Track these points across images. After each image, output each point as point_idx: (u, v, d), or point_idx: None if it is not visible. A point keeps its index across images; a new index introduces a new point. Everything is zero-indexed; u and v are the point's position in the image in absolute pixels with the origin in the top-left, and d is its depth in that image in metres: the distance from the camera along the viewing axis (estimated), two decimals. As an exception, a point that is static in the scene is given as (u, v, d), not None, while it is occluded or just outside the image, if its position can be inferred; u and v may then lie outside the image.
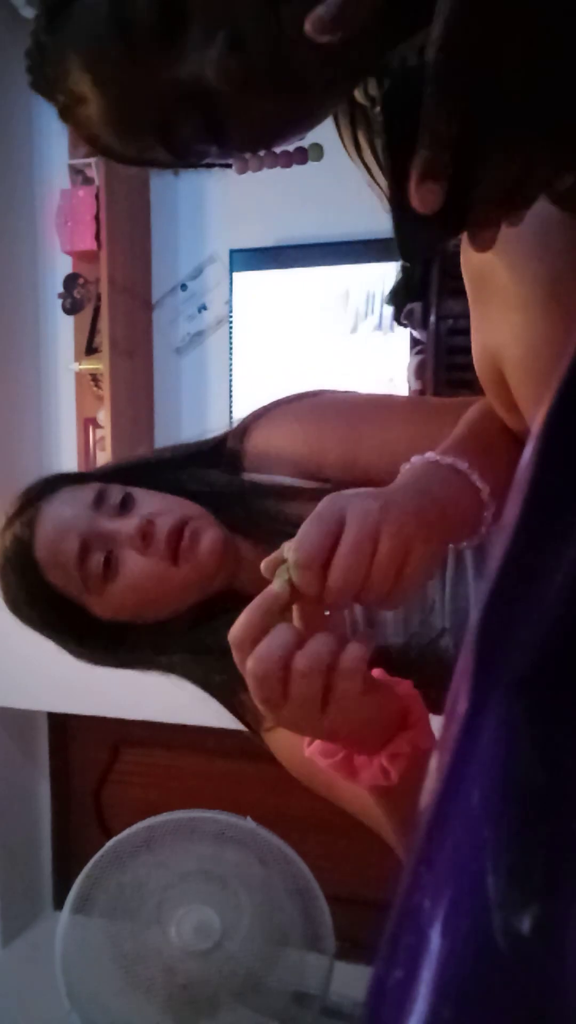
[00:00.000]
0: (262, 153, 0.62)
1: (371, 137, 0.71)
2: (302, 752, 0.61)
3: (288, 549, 0.52)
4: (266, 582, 0.53)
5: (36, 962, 2.27)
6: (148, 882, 1.60)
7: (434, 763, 0.25)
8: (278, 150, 0.63)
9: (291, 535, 0.54)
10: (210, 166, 0.66)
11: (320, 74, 0.52)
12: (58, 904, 2.58)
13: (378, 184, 0.76)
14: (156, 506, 0.77)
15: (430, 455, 0.61)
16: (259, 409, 0.85)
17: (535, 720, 0.22)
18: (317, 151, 0.71)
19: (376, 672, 0.58)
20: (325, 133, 0.68)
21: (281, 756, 0.80)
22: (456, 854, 0.22)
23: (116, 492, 0.77)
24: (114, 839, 1.59)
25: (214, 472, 0.83)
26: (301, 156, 0.71)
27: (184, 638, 0.81)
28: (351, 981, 1.59)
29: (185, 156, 0.60)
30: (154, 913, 1.60)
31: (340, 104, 0.67)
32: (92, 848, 1.62)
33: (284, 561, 0.52)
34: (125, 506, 0.77)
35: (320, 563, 0.50)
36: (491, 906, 0.20)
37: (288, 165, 0.71)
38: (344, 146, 0.74)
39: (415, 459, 0.61)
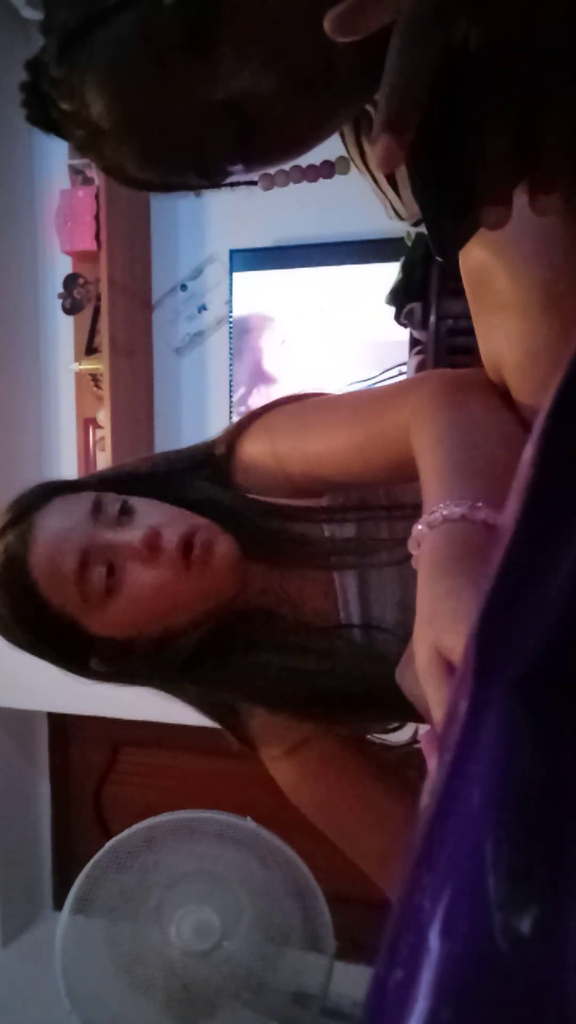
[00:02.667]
0: (288, 168, 0.62)
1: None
2: (307, 784, 0.61)
3: None
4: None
5: (36, 962, 2.27)
6: (148, 882, 1.60)
7: (434, 763, 0.25)
8: (304, 164, 0.63)
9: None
10: (235, 185, 0.65)
11: (351, 82, 0.52)
12: (58, 904, 2.58)
13: (383, 191, 0.75)
14: (158, 516, 0.72)
15: (436, 517, 0.55)
16: (240, 421, 0.81)
17: (536, 720, 0.22)
18: (344, 164, 0.70)
19: None
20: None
21: (287, 787, 0.78)
22: (456, 854, 0.22)
23: (114, 501, 0.73)
24: (114, 839, 1.59)
25: (208, 485, 0.79)
26: (328, 170, 0.71)
27: (190, 667, 0.76)
28: (351, 981, 1.59)
29: (216, 177, 0.58)
30: (154, 913, 1.60)
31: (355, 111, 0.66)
32: (92, 848, 1.62)
33: None
34: (125, 515, 0.72)
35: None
36: (491, 906, 0.20)
37: (315, 179, 0.70)
38: (348, 153, 0.74)
39: (423, 528, 0.56)
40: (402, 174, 0.71)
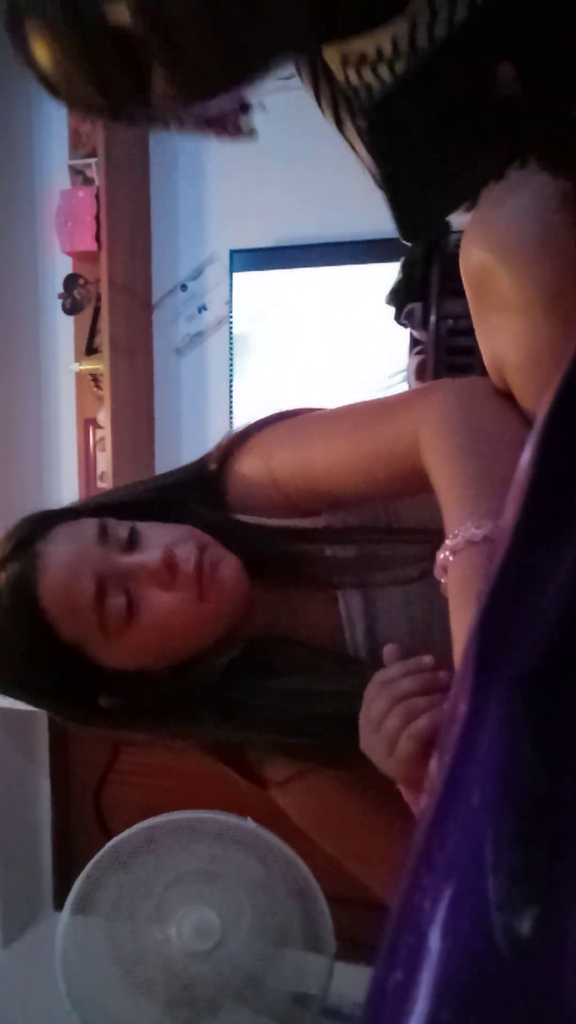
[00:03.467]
0: (198, 116, 0.60)
1: (352, 115, 0.69)
2: (312, 809, 0.61)
3: None
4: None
5: (36, 963, 2.27)
6: (148, 882, 1.60)
7: (434, 764, 0.25)
8: (211, 115, 0.60)
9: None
10: (151, 121, 0.63)
11: (252, 38, 0.50)
12: (58, 905, 2.58)
13: (360, 158, 0.73)
14: (168, 536, 0.70)
15: (459, 540, 0.56)
16: (231, 440, 0.79)
17: (535, 720, 0.22)
18: (249, 131, 0.67)
19: None
20: (326, 129, 0.67)
21: (293, 813, 0.77)
22: (456, 855, 0.22)
23: (119, 525, 0.70)
24: (114, 839, 1.59)
25: (201, 508, 0.77)
26: (234, 127, 0.68)
27: (204, 697, 0.74)
28: (351, 981, 1.58)
29: (120, 101, 0.56)
30: (154, 913, 1.59)
31: (277, 71, 0.63)
32: (92, 848, 1.62)
33: None
34: (133, 540, 0.70)
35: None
36: (491, 907, 0.20)
37: (220, 134, 0.67)
38: (324, 115, 0.72)
39: (448, 554, 0.57)
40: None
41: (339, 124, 0.71)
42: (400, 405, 0.70)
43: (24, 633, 0.69)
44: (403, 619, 0.74)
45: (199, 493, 0.78)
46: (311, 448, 0.74)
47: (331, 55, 0.59)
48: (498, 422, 0.62)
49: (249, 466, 0.76)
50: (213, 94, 0.55)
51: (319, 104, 0.71)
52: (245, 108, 0.65)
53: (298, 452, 0.74)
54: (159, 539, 0.70)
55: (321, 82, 0.68)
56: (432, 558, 0.64)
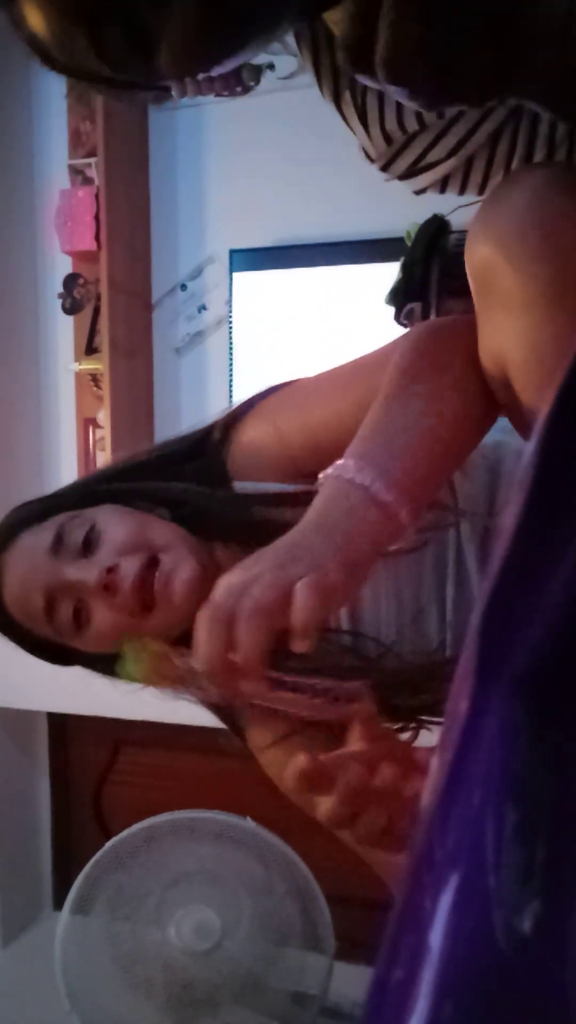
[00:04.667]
0: (200, 79, 0.60)
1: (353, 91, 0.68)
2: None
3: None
4: None
5: (36, 963, 2.27)
6: (148, 882, 1.60)
7: (436, 763, 0.25)
8: (213, 75, 0.60)
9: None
10: (149, 89, 0.63)
11: (255, 5, 0.50)
12: (58, 904, 2.58)
13: (352, 129, 0.73)
14: (121, 542, 0.72)
15: (335, 469, 0.59)
16: (237, 408, 0.81)
17: (536, 720, 0.22)
18: (253, 72, 0.67)
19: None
20: (326, 129, 0.66)
21: (274, 775, 0.78)
22: (457, 854, 0.22)
23: (77, 530, 0.73)
24: (114, 839, 1.59)
25: (194, 478, 0.79)
26: (236, 81, 0.67)
27: None
28: (351, 981, 1.59)
29: (118, 67, 0.56)
30: (154, 913, 1.60)
31: (279, 37, 0.62)
32: (92, 848, 1.62)
33: None
34: (88, 546, 0.73)
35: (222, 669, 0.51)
36: (492, 905, 0.20)
37: (222, 92, 0.67)
38: (322, 92, 0.71)
39: (323, 476, 0.60)
40: (373, 112, 0.69)
41: (337, 98, 0.70)
42: (391, 350, 0.71)
43: (6, 631, 0.79)
44: (391, 595, 0.74)
45: (198, 463, 0.79)
46: (313, 401, 0.76)
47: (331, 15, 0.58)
48: (435, 399, 0.63)
49: (256, 430, 0.78)
50: (216, 62, 0.55)
51: (317, 77, 0.70)
52: (246, 67, 0.65)
53: (302, 406, 0.77)
54: (112, 543, 0.72)
55: (322, 51, 0.68)
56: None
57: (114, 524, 0.74)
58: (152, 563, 0.71)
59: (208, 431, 0.81)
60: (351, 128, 0.72)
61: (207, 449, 0.80)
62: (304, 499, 0.63)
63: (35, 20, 0.54)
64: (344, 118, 0.72)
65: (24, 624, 0.76)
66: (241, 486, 0.78)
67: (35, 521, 0.77)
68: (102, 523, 0.74)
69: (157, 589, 0.70)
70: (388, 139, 0.70)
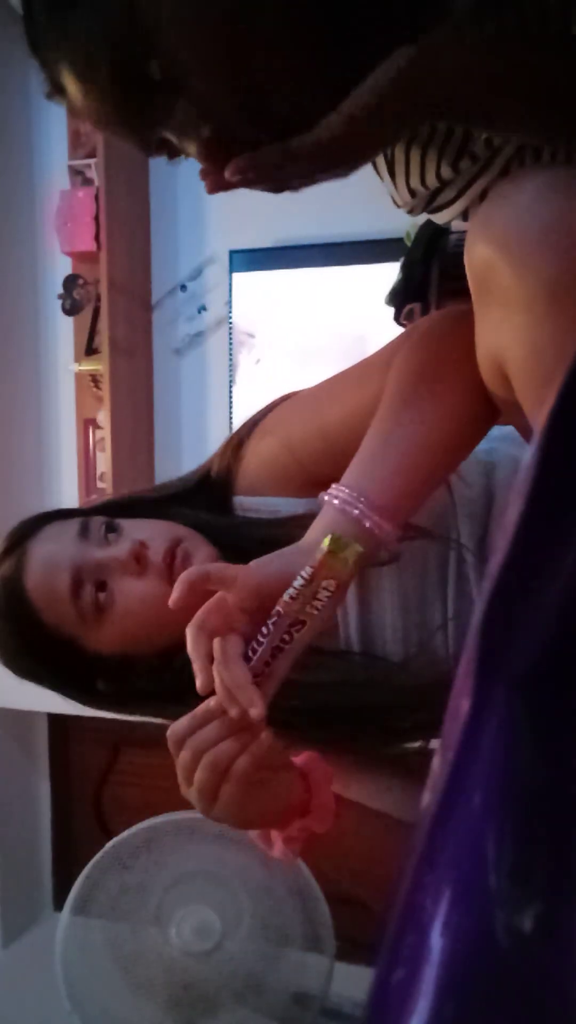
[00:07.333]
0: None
1: None
2: None
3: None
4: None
5: (36, 963, 2.27)
6: (148, 883, 1.60)
7: (437, 763, 0.25)
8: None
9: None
10: (171, 152, 0.69)
11: (277, 95, 0.58)
12: (58, 905, 2.58)
13: (379, 175, 0.77)
14: (145, 531, 0.75)
15: (329, 496, 0.63)
16: (241, 430, 0.83)
17: (537, 720, 0.22)
18: None
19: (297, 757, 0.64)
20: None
21: None
22: (458, 853, 0.22)
23: (101, 522, 0.76)
24: (114, 840, 1.59)
25: (201, 511, 0.81)
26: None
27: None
28: (351, 981, 1.58)
29: (143, 137, 0.64)
30: (154, 914, 1.59)
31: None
32: (92, 849, 1.62)
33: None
34: (111, 535, 0.76)
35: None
36: (493, 905, 0.20)
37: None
38: None
39: (322, 498, 0.64)
40: (400, 167, 0.72)
41: None
42: (393, 350, 0.74)
43: (17, 625, 0.76)
44: (395, 591, 0.75)
45: (201, 499, 0.82)
46: (325, 406, 0.78)
47: None
48: (433, 428, 0.66)
49: (263, 445, 0.80)
50: (236, 135, 0.61)
51: None
52: None
53: (314, 415, 0.78)
54: (135, 533, 0.75)
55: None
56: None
57: (133, 522, 0.77)
58: (175, 544, 0.74)
59: (207, 467, 0.84)
60: (379, 175, 0.76)
61: (207, 487, 0.83)
62: (305, 522, 0.65)
63: (71, 88, 0.60)
64: (374, 166, 0.75)
65: (43, 612, 0.74)
66: (249, 502, 0.80)
67: (62, 517, 0.80)
68: (121, 521, 0.77)
69: (178, 565, 0.72)
70: (412, 193, 0.74)
